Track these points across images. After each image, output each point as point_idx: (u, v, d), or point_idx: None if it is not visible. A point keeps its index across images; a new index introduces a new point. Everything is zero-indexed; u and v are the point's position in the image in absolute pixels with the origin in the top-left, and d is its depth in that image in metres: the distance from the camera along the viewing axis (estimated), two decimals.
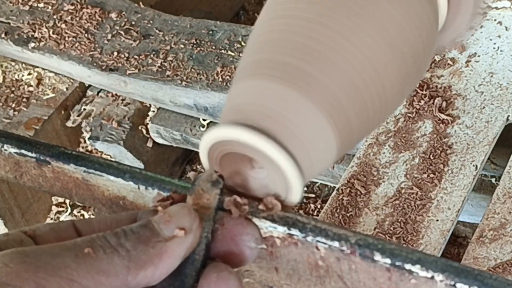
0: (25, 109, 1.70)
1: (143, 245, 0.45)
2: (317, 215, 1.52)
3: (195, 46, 1.54)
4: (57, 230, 0.48)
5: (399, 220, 1.11)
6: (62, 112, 1.70)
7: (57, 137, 1.70)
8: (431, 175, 1.15)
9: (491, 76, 1.26)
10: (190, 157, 1.83)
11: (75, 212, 1.77)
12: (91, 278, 0.42)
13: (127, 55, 1.56)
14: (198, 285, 0.46)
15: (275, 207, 0.49)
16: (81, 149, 1.75)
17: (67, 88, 1.72)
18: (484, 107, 1.23)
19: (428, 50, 0.55)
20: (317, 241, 0.48)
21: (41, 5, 1.69)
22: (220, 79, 1.46)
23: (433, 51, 0.56)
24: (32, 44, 1.62)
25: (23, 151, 0.58)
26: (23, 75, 1.77)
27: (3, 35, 1.64)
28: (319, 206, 1.69)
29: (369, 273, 0.47)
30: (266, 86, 0.49)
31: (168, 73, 1.50)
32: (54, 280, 0.41)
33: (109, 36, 1.60)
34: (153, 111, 1.64)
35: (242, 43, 1.52)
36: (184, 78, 1.49)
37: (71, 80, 1.72)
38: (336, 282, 0.49)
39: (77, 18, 1.64)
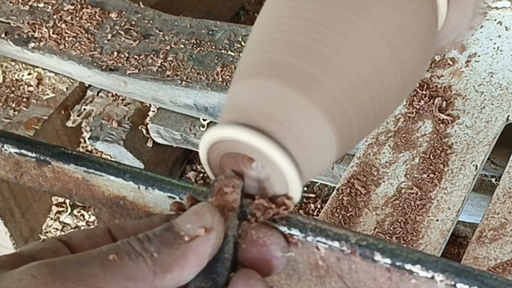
0: (25, 109, 1.70)
1: (167, 248, 0.45)
2: (317, 215, 1.52)
3: (195, 46, 1.54)
4: (92, 236, 0.48)
5: (399, 220, 1.10)
6: (62, 112, 1.70)
7: (57, 137, 1.70)
8: (431, 175, 1.15)
9: (491, 76, 1.26)
10: (190, 157, 1.83)
11: (75, 212, 1.77)
12: (118, 284, 0.43)
13: (127, 55, 1.56)
14: None
15: (289, 208, 0.49)
16: (81, 149, 1.76)
17: (67, 88, 1.72)
18: (484, 107, 1.23)
19: (428, 50, 0.55)
20: (317, 241, 0.48)
21: (41, 5, 1.69)
22: (220, 79, 1.46)
23: (433, 51, 0.56)
24: (32, 44, 1.62)
25: (23, 151, 0.58)
26: (23, 75, 1.77)
27: (3, 35, 1.64)
28: (319, 206, 1.69)
29: (369, 273, 0.47)
30: (266, 86, 0.49)
31: (168, 73, 1.50)
32: None
33: (109, 36, 1.60)
34: (153, 111, 1.64)
35: (242, 43, 1.52)
36: (184, 78, 1.49)
37: (71, 80, 1.71)
38: (336, 282, 0.49)
39: (77, 18, 1.64)
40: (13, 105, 1.72)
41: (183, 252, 0.45)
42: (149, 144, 1.65)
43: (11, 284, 0.42)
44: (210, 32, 1.56)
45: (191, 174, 1.81)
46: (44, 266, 0.43)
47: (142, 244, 0.45)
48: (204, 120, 1.56)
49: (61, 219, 1.75)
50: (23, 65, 1.78)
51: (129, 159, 1.63)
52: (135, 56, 1.55)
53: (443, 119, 1.22)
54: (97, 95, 1.71)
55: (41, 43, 1.61)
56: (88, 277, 0.42)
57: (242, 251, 0.48)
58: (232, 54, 1.51)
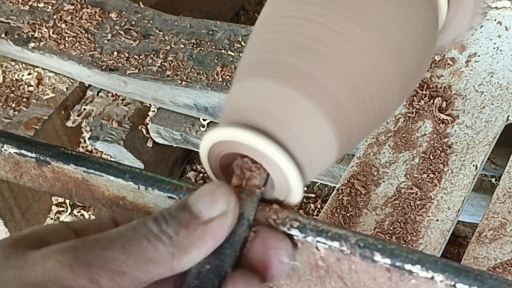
0: (25, 109, 1.70)
1: (185, 230, 0.45)
2: (317, 215, 1.52)
3: (195, 46, 1.54)
4: (99, 225, 0.48)
5: (399, 220, 1.11)
6: (62, 112, 1.70)
7: (57, 137, 1.70)
8: (431, 175, 1.15)
9: (491, 76, 1.26)
10: (190, 157, 1.83)
11: (75, 212, 1.77)
12: (139, 268, 0.43)
13: (127, 55, 1.56)
14: None
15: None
16: (81, 149, 1.76)
17: (67, 88, 1.72)
18: (484, 107, 1.23)
19: (428, 50, 0.55)
20: (317, 241, 0.48)
21: (41, 5, 1.69)
22: (220, 79, 1.46)
23: (433, 51, 0.56)
24: (32, 44, 1.62)
25: (23, 151, 0.58)
26: (23, 75, 1.77)
27: (3, 35, 1.64)
28: (319, 206, 1.69)
29: (369, 273, 0.47)
30: (266, 86, 0.49)
31: (168, 73, 1.50)
32: (107, 274, 0.42)
33: (109, 36, 1.60)
34: (153, 111, 1.64)
35: (242, 43, 1.52)
36: (184, 78, 1.49)
37: (71, 80, 1.71)
38: (336, 282, 0.49)
39: (77, 18, 1.64)
40: (13, 105, 1.72)
41: (201, 234, 0.45)
42: (149, 144, 1.65)
43: (35, 266, 0.42)
44: (210, 32, 1.56)
45: (191, 174, 1.81)
46: (67, 249, 0.43)
47: (159, 225, 0.44)
48: (204, 120, 1.56)
49: (61, 219, 1.75)
50: (23, 65, 1.78)
51: (129, 159, 1.63)
52: (135, 56, 1.55)
53: (443, 119, 1.22)
54: (97, 95, 1.71)
55: (41, 43, 1.61)
56: (111, 261, 0.42)
57: (249, 251, 0.48)
58: (232, 54, 1.51)
